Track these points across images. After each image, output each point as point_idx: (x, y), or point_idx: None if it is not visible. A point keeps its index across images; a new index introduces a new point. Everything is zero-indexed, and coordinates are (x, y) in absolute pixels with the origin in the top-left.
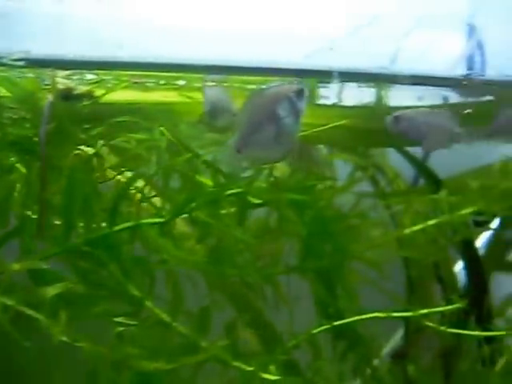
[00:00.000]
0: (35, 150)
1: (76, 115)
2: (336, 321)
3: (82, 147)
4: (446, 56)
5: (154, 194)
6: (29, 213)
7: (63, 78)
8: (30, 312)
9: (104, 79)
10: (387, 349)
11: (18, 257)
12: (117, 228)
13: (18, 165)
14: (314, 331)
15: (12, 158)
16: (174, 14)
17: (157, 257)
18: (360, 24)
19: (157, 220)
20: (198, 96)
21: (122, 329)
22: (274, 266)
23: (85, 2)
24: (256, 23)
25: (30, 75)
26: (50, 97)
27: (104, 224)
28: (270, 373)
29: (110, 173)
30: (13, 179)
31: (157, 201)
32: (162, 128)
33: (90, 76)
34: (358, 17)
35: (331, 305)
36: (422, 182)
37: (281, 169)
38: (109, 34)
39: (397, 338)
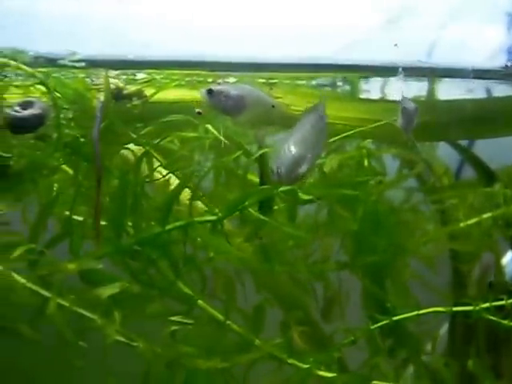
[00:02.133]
0: (83, 150)
1: (126, 115)
2: (387, 317)
3: (132, 146)
4: (485, 47)
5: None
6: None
7: (112, 77)
8: (85, 312)
9: (154, 78)
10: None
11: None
12: (169, 227)
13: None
14: (372, 327)
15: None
16: (211, 13)
17: (208, 255)
18: (396, 16)
19: (210, 218)
20: None
21: (175, 328)
22: (325, 262)
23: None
24: (289, 19)
25: (81, 75)
26: (100, 97)
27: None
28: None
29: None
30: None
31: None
32: (209, 126)
33: (140, 75)
34: (395, 9)
35: (383, 300)
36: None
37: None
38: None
39: (443, 333)
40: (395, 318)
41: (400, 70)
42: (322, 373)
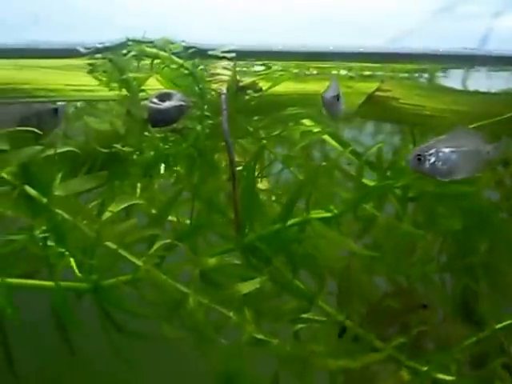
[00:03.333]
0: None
1: (244, 107)
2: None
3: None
4: None
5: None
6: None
7: (225, 69)
8: (222, 309)
9: (270, 71)
10: None
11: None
12: (289, 223)
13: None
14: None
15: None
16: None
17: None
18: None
19: (326, 215)
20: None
21: (301, 326)
22: (428, 263)
23: None
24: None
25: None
26: (223, 89)
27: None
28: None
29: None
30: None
31: None
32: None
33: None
34: None
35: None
36: None
37: None
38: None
39: None
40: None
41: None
42: (441, 375)
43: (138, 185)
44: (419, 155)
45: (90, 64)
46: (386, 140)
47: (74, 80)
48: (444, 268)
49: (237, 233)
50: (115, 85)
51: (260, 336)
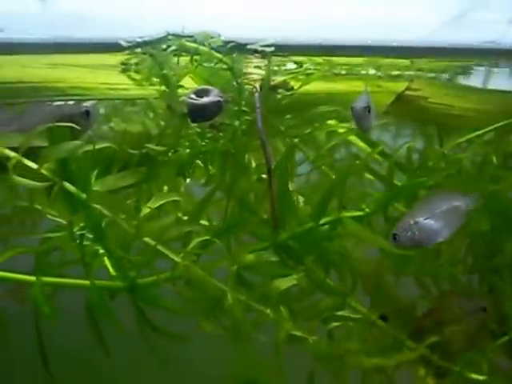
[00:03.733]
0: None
1: (275, 106)
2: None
3: None
4: None
5: None
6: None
7: (257, 67)
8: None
9: (301, 69)
10: None
11: None
12: (322, 221)
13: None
14: None
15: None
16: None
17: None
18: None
19: (357, 213)
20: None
21: (336, 324)
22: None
23: None
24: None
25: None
26: (257, 87)
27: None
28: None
29: None
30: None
31: None
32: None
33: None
34: None
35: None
36: None
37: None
38: None
39: None
40: None
41: None
42: (473, 375)
43: (170, 185)
44: (395, 234)
45: (123, 63)
46: (412, 140)
47: (109, 78)
48: (471, 269)
49: (273, 230)
50: (154, 80)
51: (297, 333)
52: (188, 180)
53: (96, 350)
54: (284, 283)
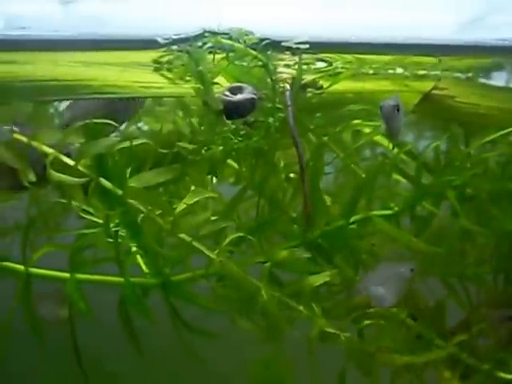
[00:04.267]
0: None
1: (305, 104)
2: None
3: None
4: None
5: None
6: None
7: (286, 66)
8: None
9: (331, 68)
10: None
11: None
12: (352, 220)
13: None
14: None
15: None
16: None
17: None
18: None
19: (386, 212)
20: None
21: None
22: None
23: None
24: None
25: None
26: (287, 86)
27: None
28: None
29: None
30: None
31: None
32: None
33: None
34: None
35: None
36: None
37: None
38: None
39: None
40: None
41: None
42: (502, 374)
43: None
44: None
45: (155, 61)
46: (438, 139)
47: (142, 77)
48: (497, 269)
49: (306, 228)
50: (190, 78)
51: (330, 330)
52: (214, 179)
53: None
54: (317, 280)
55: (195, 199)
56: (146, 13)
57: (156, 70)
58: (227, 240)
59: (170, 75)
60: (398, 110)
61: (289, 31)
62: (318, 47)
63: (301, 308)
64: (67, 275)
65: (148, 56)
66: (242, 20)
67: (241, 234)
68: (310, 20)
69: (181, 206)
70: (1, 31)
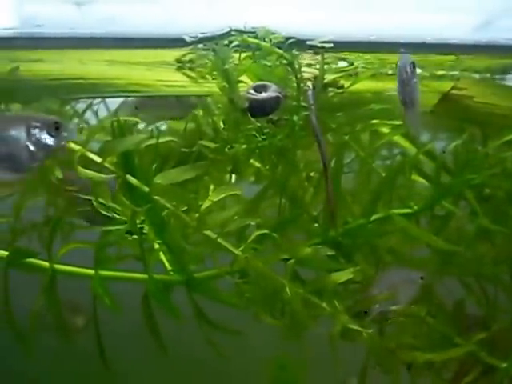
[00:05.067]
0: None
1: (326, 104)
2: None
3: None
4: None
5: None
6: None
7: (308, 65)
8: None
9: (352, 67)
10: None
11: None
12: (373, 218)
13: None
14: None
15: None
16: None
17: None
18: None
19: (408, 211)
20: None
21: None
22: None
23: None
24: None
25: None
26: (309, 85)
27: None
28: None
29: None
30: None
31: None
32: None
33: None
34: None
35: None
36: None
37: None
38: None
39: None
40: None
41: None
42: None
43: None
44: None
45: (178, 61)
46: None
47: (165, 76)
48: None
49: (330, 226)
50: (215, 76)
51: (353, 327)
52: (233, 178)
53: None
54: (340, 277)
55: (221, 196)
56: (169, 13)
57: (179, 68)
58: (252, 237)
59: (192, 74)
60: (413, 67)
61: (311, 31)
62: (339, 47)
63: (324, 305)
64: (91, 272)
65: (172, 55)
66: (263, 20)
67: (265, 231)
68: (331, 21)
69: (206, 203)
70: (26, 29)
